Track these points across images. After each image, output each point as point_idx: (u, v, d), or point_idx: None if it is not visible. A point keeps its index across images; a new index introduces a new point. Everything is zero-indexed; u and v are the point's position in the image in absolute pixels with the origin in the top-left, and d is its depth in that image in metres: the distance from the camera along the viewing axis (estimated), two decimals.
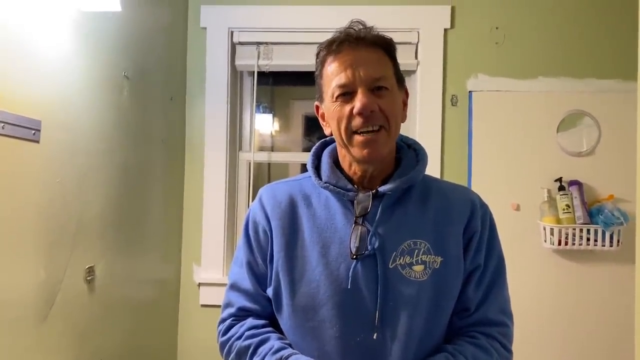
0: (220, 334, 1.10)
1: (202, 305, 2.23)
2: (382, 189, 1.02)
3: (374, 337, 0.97)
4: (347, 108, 0.98)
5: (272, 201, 1.08)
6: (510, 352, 1.05)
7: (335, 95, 0.98)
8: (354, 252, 0.99)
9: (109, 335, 1.68)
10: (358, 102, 0.96)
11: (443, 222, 1.03)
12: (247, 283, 1.09)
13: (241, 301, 1.09)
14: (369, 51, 0.98)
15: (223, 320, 1.11)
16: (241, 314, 1.09)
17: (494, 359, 1.01)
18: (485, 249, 1.05)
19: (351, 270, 0.98)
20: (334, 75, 0.99)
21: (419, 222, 1.03)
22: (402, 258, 0.99)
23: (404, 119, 1.05)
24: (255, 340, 1.03)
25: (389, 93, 0.99)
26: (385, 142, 1.00)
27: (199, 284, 2.24)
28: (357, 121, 0.97)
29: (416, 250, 1.00)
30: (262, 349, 1.02)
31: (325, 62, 1.01)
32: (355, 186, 1.04)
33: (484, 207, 1.08)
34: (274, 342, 1.02)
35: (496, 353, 1.01)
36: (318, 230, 1.03)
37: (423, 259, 1.00)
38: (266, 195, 1.11)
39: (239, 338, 1.05)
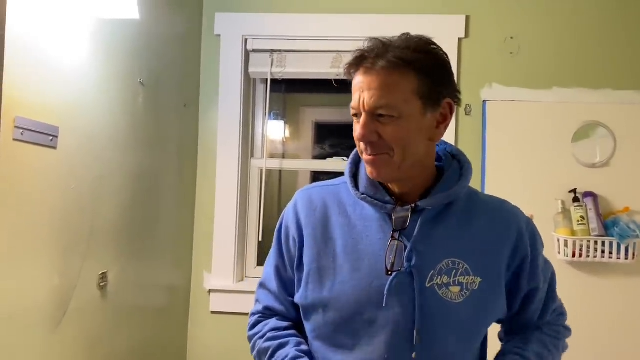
0: (249, 327, 1.12)
1: (212, 312, 2.23)
2: (421, 203, 0.97)
3: (413, 356, 0.94)
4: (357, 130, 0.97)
5: (307, 207, 1.05)
6: (569, 330, 1.19)
7: (351, 113, 0.97)
8: (389, 268, 0.95)
9: (121, 341, 1.68)
10: (358, 129, 0.94)
11: (487, 242, 1.00)
12: (273, 285, 1.09)
13: (267, 300, 1.10)
14: (380, 75, 0.91)
15: (252, 314, 1.13)
16: (267, 313, 1.10)
17: (560, 343, 1.14)
18: (540, 269, 1.06)
19: (386, 287, 0.94)
20: (353, 93, 0.96)
21: (459, 241, 0.98)
22: (439, 277, 0.96)
23: (438, 137, 0.98)
24: (275, 343, 1.03)
25: (395, 120, 0.92)
26: (388, 166, 0.95)
27: (209, 291, 2.23)
28: (361, 145, 0.97)
29: (454, 271, 0.96)
30: (279, 355, 1.02)
31: (351, 73, 0.97)
32: (394, 198, 0.99)
33: (531, 226, 1.05)
34: (290, 349, 1.01)
35: (562, 337, 1.15)
36: (352, 242, 0.99)
37: (460, 280, 0.96)
38: (301, 200, 1.07)
39: (261, 337, 1.06)
